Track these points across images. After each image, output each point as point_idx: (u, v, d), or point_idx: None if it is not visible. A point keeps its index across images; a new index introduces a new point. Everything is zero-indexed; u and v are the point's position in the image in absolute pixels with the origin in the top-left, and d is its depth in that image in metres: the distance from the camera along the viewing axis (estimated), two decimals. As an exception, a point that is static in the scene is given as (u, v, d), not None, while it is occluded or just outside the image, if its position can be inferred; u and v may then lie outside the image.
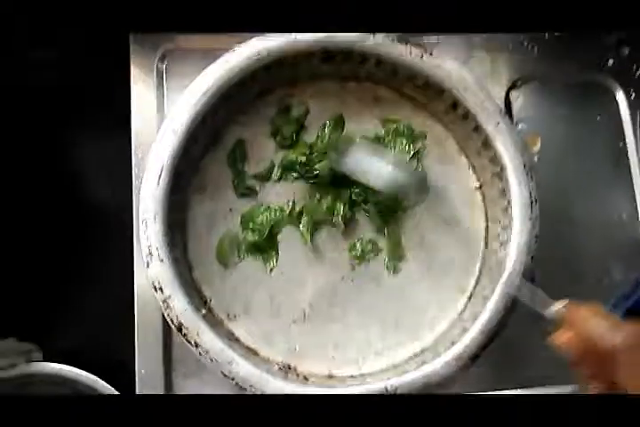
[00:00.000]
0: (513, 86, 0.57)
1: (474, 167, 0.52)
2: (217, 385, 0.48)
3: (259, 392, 0.43)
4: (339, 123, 0.52)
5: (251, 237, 0.50)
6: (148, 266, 0.45)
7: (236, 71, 0.47)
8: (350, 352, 0.49)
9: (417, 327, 0.49)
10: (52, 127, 0.59)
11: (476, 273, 0.50)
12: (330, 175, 0.50)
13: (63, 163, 0.59)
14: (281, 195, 0.51)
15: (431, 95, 0.51)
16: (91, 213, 0.58)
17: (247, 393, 0.44)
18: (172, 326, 0.45)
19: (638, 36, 0.58)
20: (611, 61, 0.58)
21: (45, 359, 0.51)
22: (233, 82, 0.48)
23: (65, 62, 0.58)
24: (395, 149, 0.52)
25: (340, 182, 0.50)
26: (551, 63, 0.58)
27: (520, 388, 0.51)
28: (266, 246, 0.50)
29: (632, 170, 0.57)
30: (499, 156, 0.48)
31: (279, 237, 0.50)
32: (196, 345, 0.44)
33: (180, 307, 0.44)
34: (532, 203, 0.47)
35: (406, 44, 0.49)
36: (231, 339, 0.47)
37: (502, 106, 0.56)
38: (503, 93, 0.57)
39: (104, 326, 0.54)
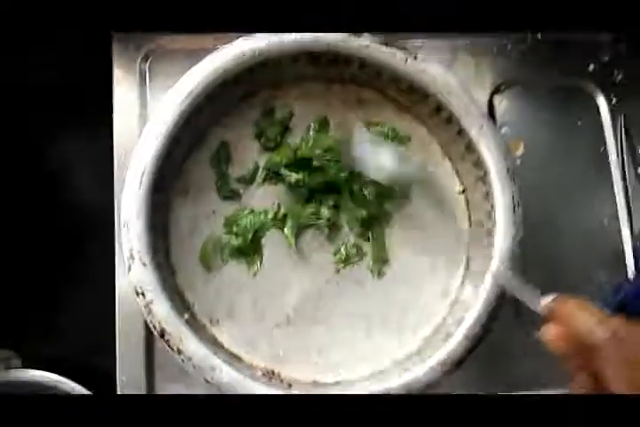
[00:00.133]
0: (496, 91, 0.58)
1: (457, 171, 0.52)
2: (200, 391, 0.48)
3: (242, 398, 0.43)
4: (323, 125, 0.52)
5: (234, 241, 0.49)
6: (129, 269, 0.44)
7: (220, 72, 0.47)
8: (334, 357, 0.48)
9: (401, 332, 0.49)
10: (33, 128, 0.58)
11: (460, 277, 0.50)
12: (316, 182, 0.49)
13: (44, 164, 0.58)
14: (265, 198, 0.51)
15: (415, 99, 0.51)
16: (71, 216, 0.57)
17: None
18: (155, 333, 0.44)
19: (618, 42, 0.59)
20: (592, 66, 0.59)
21: (24, 366, 0.50)
22: (218, 83, 0.47)
23: (45, 62, 0.57)
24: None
25: (324, 187, 0.50)
26: (534, 68, 0.58)
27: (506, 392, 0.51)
28: (250, 250, 0.50)
29: (613, 174, 0.57)
30: (482, 159, 0.48)
31: (263, 240, 0.50)
32: (179, 352, 0.43)
33: (163, 312, 0.44)
34: (514, 207, 0.47)
35: (391, 46, 0.48)
36: (214, 344, 0.46)
37: (486, 110, 0.56)
38: (487, 98, 0.57)
39: (84, 332, 0.54)
